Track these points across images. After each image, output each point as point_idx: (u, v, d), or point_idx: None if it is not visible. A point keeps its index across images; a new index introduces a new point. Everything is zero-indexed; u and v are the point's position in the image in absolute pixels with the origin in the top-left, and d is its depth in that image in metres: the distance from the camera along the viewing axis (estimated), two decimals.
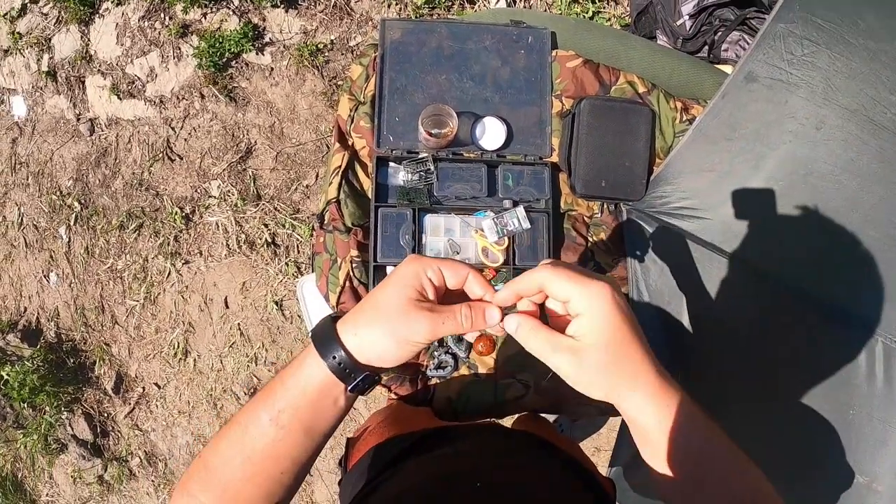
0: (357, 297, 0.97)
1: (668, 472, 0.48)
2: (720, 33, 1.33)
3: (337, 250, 1.00)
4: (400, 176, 1.01)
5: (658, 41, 1.43)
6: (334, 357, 0.46)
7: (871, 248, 0.70)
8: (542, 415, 1.55)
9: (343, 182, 1.00)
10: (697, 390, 0.90)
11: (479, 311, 0.47)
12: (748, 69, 0.88)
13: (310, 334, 0.47)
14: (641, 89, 1.08)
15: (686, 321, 0.92)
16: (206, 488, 0.50)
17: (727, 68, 1.32)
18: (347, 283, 0.98)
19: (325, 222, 1.01)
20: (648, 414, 0.46)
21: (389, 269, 0.97)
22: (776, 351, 0.76)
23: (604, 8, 1.70)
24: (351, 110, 1.03)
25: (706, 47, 1.36)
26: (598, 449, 1.75)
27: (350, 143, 1.03)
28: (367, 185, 1.02)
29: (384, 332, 0.45)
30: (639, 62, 1.10)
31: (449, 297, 0.49)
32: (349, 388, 0.47)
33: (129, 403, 1.85)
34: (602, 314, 0.44)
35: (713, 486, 0.48)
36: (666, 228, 0.93)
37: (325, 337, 0.47)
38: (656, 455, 0.48)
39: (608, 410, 1.01)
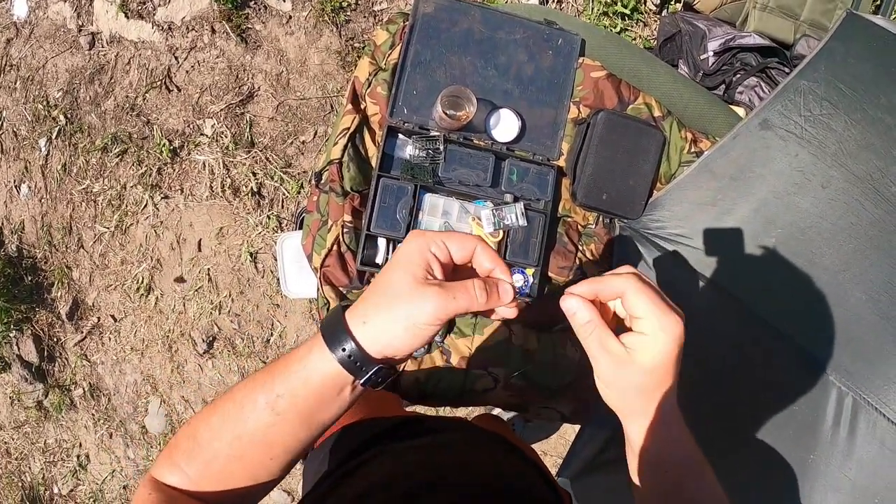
0: (343, 263, 0.96)
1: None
2: (739, 75, 1.35)
3: (329, 212, 0.98)
4: (407, 150, 1.00)
5: (679, 70, 1.44)
6: (344, 349, 0.43)
7: (856, 308, 0.73)
8: (499, 411, 1.56)
9: (349, 145, 0.98)
10: None
11: (492, 285, 0.45)
12: (764, 116, 0.89)
13: (319, 325, 0.45)
14: (657, 113, 1.09)
15: None
16: (191, 460, 0.48)
17: (739, 110, 1.35)
18: (335, 248, 0.97)
19: (323, 181, 1.00)
20: (652, 443, 0.48)
21: (381, 240, 0.96)
22: (748, 385, 0.79)
23: (632, 27, 1.71)
24: (370, 74, 1.01)
25: (723, 86, 1.38)
26: (544, 453, 1.78)
27: (363, 106, 1.01)
28: (373, 152, 1.00)
29: (392, 317, 0.43)
30: (659, 86, 1.11)
31: (460, 275, 0.47)
32: (361, 382, 0.45)
33: (82, 332, 1.79)
34: (665, 345, 0.44)
35: None
36: (660, 250, 0.95)
37: (334, 327, 0.44)
38: (639, 480, 0.51)
39: (569, 419, 1.03)
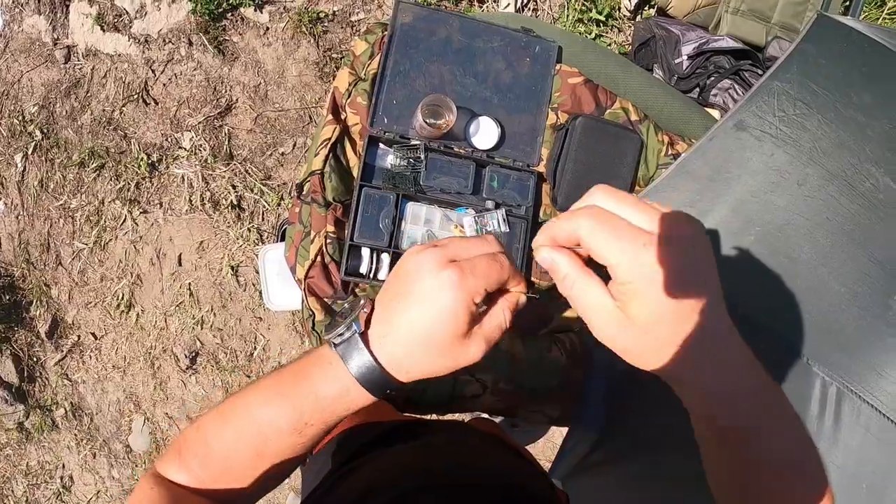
0: (327, 274, 0.96)
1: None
2: (713, 78, 1.38)
3: (312, 223, 0.98)
4: (388, 159, 1.01)
5: (654, 74, 1.47)
6: (389, 391, 0.44)
7: (836, 300, 0.74)
8: (486, 417, 1.56)
9: (330, 155, 0.98)
10: (652, 413, 0.93)
11: (512, 301, 0.44)
12: (739, 118, 0.91)
13: (357, 377, 0.43)
14: (634, 117, 1.11)
15: None
16: (205, 466, 0.48)
17: (714, 112, 1.37)
18: (319, 259, 0.97)
19: (304, 192, 1.00)
20: (694, 404, 0.40)
21: (364, 250, 0.96)
22: None
23: (606, 33, 1.74)
24: (350, 85, 1.01)
25: (697, 89, 1.41)
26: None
27: (343, 117, 1.01)
28: (354, 162, 1.01)
29: (434, 364, 0.42)
30: (636, 91, 1.13)
31: None
32: (376, 394, 0.45)
33: (62, 350, 1.76)
34: (656, 286, 0.34)
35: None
36: None
37: (377, 380, 0.43)
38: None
39: (557, 421, 1.03)
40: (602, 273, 0.38)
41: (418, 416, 0.92)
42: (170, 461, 0.49)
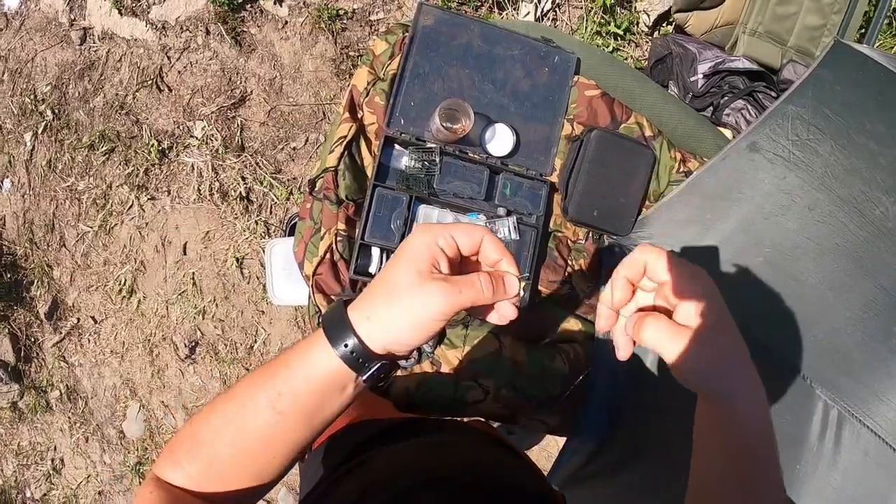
0: (336, 271, 0.96)
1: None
2: (727, 98, 1.39)
3: (323, 220, 0.98)
4: (403, 160, 1.01)
5: (669, 91, 1.48)
6: (346, 345, 0.43)
7: (841, 325, 0.75)
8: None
9: (345, 153, 0.98)
10: (652, 424, 0.93)
11: (498, 278, 0.45)
12: (752, 139, 0.92)
13: (319, 319, 0.46)
14: (648, 133, 1.11)
15: (648, 354, 0.96)
16: (193, 459, 0.48)
17: (727, 132, 1.38)
18: (328, 256, 0.97)
19: (317, 189, 1.00)
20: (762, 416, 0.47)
21: (374, 250, 0.97)
22: None
23: (624, 47, 1.75)
24: (368, 84, 1.01)
25: (711, 108, 1.42)
26: None
27: (360, 116, 1.01)
28: (369, 161, 1.01)
29: (397, 314, 0.42)
30: (651, 106, 1.13)
31: (466, 268, 0.48)
32: (363, 378, 0.44)
33: (61, 332, 1.75)
34: (711, 300, 0.45)
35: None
36: None
37: (336, 323, 0.44)
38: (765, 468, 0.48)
39: (555, 430, 1.04)
40: None
41: (415, 416, 0.92)
42: (164, 461, 0.49)
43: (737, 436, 0.47)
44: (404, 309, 0.42)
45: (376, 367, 0.44)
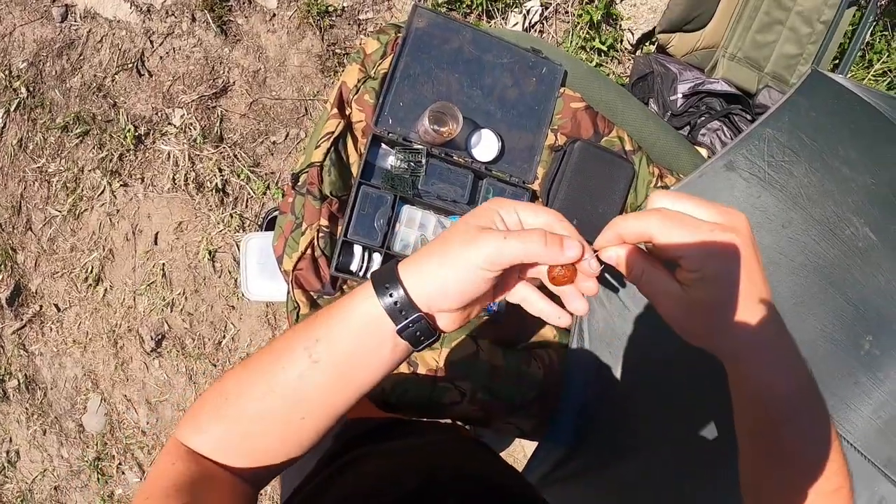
0: (316, 268, 0.95)
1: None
2: (704, 118, 1.43)
3: (305, 215, 0.97)
4: (389, 160, 1.01)
5: (649, 108, 1.52)
6: (390, 294, 0.41)
7: (811, 336, 0.78)
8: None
9: (332, 149, 0.98)
10: (628, 422, 0.95)
11: (556, 239, 0.41)
12: (729, 158, 0.95)
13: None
14: (628, 147, 1.14)
15: (619, 365, 0.98)
16: (218, 419, 0.45)
17: (702, 151, 1.42)
18: (309, 252, 0.96)
19: (300, 183, 0.99)
20: (739, 380, 0.44)
21: (357, 248, 0.96)
22: (709, 414, 0.83)
23: (607, 63, 1.79)
24: (359, 81, 1.01)
25: (688, 127, 1.46)
26: None
27: (348, 112, 1.01)
28: (354, 158, 1.01)
29: (444, 260, 0.41)
30: (632, 121, 1.16)
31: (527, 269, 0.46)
32: (399, 329, 0.42)
33: (22, 319, 1.69)
34: (720, 275, 0.40)
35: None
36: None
37: (386, 272, 0.43)
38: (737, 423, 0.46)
39: (527, 435, 1.05)
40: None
41: (403, 417, 0.92)
42: (187, 422, 0.47)
43: (748, 398, 0.45)
44: (451, 254, 0.41)
45: (413, 317, 0.42)
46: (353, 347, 0.43)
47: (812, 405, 0.45)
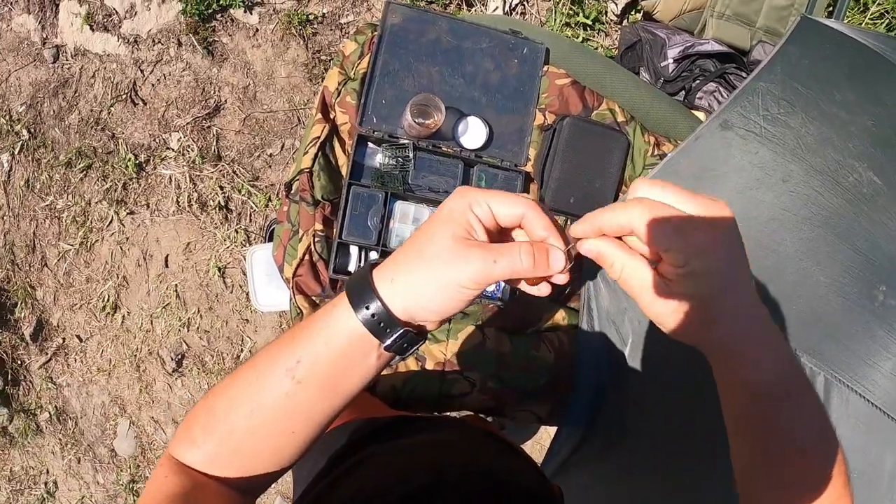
0: (315, 272, 0.96)
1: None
2: (698, 81, 1.40)
3: (300, 221, 0.98)
4: (377, 158, 1.01)
5: (640, 77, 1.49)
6: (367, 307, 0.39)
7: (821, 291, 0.76)
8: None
9: (319, 154, 0.98)
10: (643, 402, 0.93)
11: (542, 251, 0.40)
12: (724, 117, 0.93)
13: (346, 290, 0.41)
14: (620, 118, 1.12)
15: (629, 344, 0.96)
16: (208, 434, 0.45)
17: (700, 115, 1.39)
18: (307, 257, 0.97)
19: (293, 191, 0.99)
20: (725, 372, 0.44)
21: (353, 248, 0.96)
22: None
23: (593, 37, 1.76)
24: (339, 84, 1.01)
25: (683, 92, 1.43)
26: None
27: (332, 116, 1.01)
28: (343, 161, 1.01)
29: (427, 277, 0.39)
30: (622, 92, 1.14)
31: (505, 239, 0.44)
32: (384, 345, 0.41)
33: (47, 353, 1.73)
34: (706, 269, 0.38)
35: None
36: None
37: (359, 284, 0.41)
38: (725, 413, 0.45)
39: (545, 420, 1.04)
40: None
41: (411, 413, 0.92)
42: (180, 439, 0.46)
43: (736, 391, 0.44)
44: (433, 272, 0.39)
45: (399, 333, 0.40)
46: (336, 365, 0.42)
47: (801, 395, 0.44)
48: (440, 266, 0.39)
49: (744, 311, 0.41)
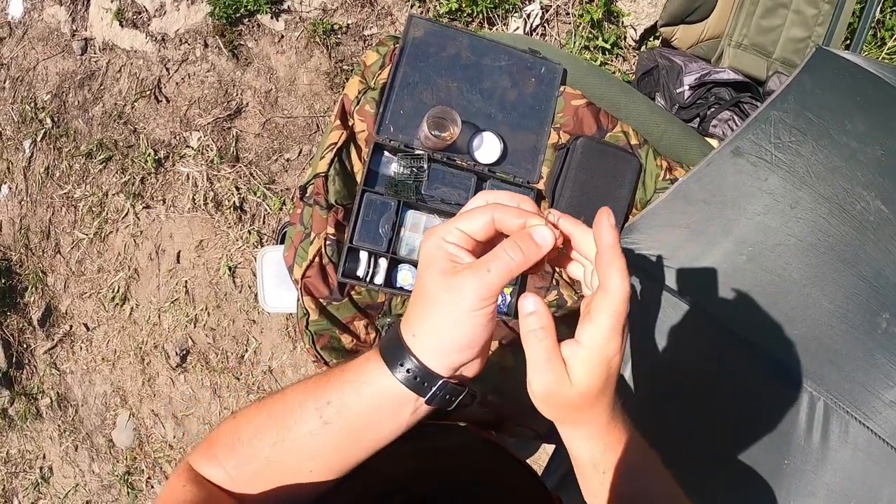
0: (324, 275, 0.97)
1: None
2: (713, 109, 1.41)
3: (313, 224, 0.99)
4: (392, 167, 1.03)
5: (656, 102, 1.50)
6: (402, 364, 0.40)
7: (824, 317, 0.76)
8: None
9: (335, 159, 1.00)
10: (638, 419, 0.93)
11: (525, 238, 0.39)
12: (736, 144, 0.94)
13: (377, 347, 0.42)
14: (634, 141, 1.13)
15: (629, 362, 0.96)
16: (230, 455, 0.46)
17: (713, 142, 1.40)
18: (317, 260, 0.98)
19: (308, 194, 1.01)
20: (590, 450, 0.46)
21: (363, 254, 0.98)
22: (722, 396, 0.81)
23: (611, 60, 1.78)
24: (359, 93, 1.03)
25: (698, 119, 1.44)
26: None
27: (351, 123, 1.04)
28: (358, 167, 1.03)
29: (438, 319, 0.39)
30: (636, 116, 1.15)
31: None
32: (426, 398, 0.41)
33: (53, 339, 1.76)
34: (599, 367, 0.41)
35: None
36: (633, 268, 0.98)
37: (393, 343, 0.41)
38: (593, 494, 0.48)
39: (544, 437, 1.04)
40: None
41: None
42: (202, 454, 0.47)
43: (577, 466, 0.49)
44: (441, 313, 0.39)
45: (438, 385, 0.41)
46: (366, 415, 0.42)
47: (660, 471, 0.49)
48: (443, 304, 0.39)
49: (615, 409, 0.45)
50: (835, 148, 0.82)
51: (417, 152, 1.01)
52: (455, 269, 0.39)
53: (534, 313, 0.40)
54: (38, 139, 1.69)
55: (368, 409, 0.42)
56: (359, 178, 1.01)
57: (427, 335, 0.40)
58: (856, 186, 0.78)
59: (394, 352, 0.41)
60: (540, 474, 1.07)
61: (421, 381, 0.40)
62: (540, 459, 1.80)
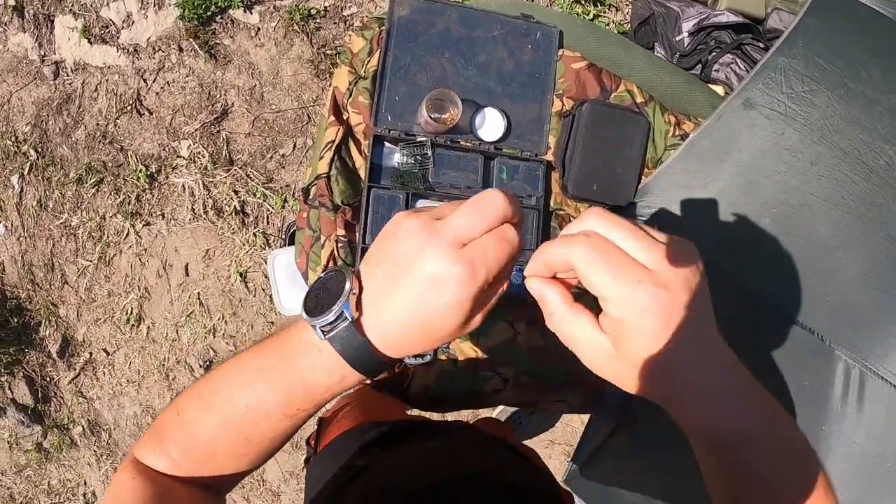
0: None
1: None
2: (714, 54, 1.36)
3: (321, 227, 0.96)
4: (395, 158, 0.99)
5: (655, 53, 1.45)
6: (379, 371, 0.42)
7: (854, 281, 0.74)
8: (501, 408, 1.56)
9: (335, 157, 0.97)
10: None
11: (506, 237, 0.38)
12: (746, 95, 0.90)
13: (350, 362, 0.40)
14: (639, 99, 1.09)
15: None
16: (186, 453, 0.47)
17: (718, 89, 1.36)
18: (331, 264, 0.96)
19: (311, 197, 0.98)
20: (689, 424, 0.40)
21: None
22: (756, 365, 0.79)
23: (604, 12, 1.71)
24: (350, 84, 0.99)
25: (699, 65, 1.39)
26: (552, 442, 1.79)
27: (346, 117, 1.00)
28: (360, 163, 0.99)
29: (433, 346, 0.40)
30: (639, 72, 1.11)
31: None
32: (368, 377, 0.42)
33: (75, 369, 1.75)
34: (643, 325, 0.35)
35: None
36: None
37: (371, 364, 0.40)
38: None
39: (578, 409, 1.03)
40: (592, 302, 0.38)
41: (421, 416, 0.92)
42: (149, 448, 0.48)
43: (703, 446, 0.42)
44: (439, 343, 0.41)
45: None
46: (325, 398, 0.43)
47: (778, 443, 0.42)
48: (443, 341, 0.41)
49: (693, 366, 0.37)
50: (851, 98, 0.78)
51: (419, 139, 0.97)
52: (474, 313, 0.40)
53: (540, 295, 0.39)
54: (26, 172, 1.65)
55: (335, 396, 0.43)
56: (362, 174, 0.98)
57: (405, 344, 0.40)
58: (876, 140, 0.75)
59: (366, 360, 0.40)
60: (577, 445, 1.07)
61: (378, 369, 0.41)
62: (555, 436, 1.81)
